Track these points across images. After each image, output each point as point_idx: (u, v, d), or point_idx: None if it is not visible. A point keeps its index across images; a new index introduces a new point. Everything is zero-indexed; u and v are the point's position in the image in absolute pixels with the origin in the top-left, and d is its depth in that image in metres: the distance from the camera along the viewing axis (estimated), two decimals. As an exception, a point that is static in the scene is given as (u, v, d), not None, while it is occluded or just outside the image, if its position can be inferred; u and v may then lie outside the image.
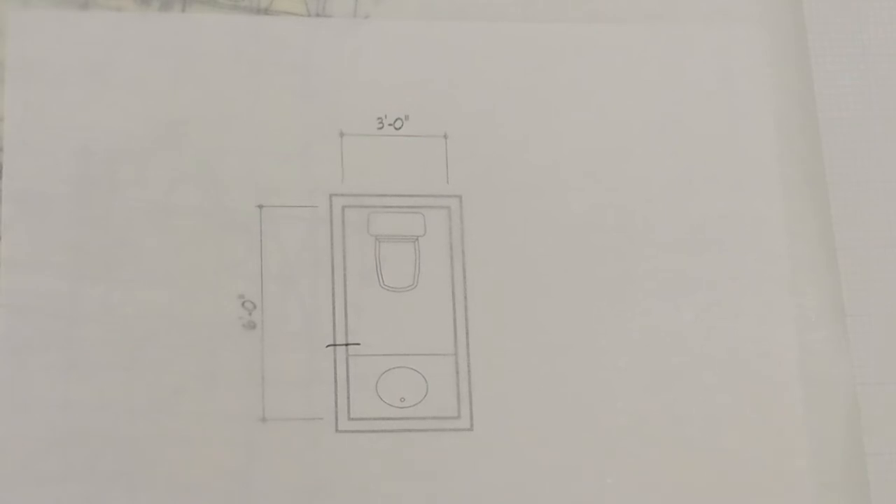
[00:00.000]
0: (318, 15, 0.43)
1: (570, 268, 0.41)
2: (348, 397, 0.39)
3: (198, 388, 0.39)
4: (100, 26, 0.41)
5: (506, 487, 0.39)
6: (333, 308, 0.40)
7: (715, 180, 0.43)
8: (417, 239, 0.41)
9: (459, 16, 0.43)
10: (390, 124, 0.42)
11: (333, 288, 0.40)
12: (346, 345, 0.40)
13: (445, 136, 0.42)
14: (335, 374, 0.39)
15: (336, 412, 0.39)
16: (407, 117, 0.42)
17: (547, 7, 0.44)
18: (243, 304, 0.40)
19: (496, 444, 0.39)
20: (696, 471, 0.40)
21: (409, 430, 0.39)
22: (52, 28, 0.41)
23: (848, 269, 0.43)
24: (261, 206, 0.41)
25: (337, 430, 0.39)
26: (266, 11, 0.42)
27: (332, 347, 0.40)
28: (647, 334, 0.41)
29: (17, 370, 0.38)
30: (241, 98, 0.41)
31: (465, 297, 0.41)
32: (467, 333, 0.40)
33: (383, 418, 0.39)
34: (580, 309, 0.41)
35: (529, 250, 0.41)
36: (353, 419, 0.39)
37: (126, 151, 0.40)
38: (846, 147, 0.44)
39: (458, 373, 0.40)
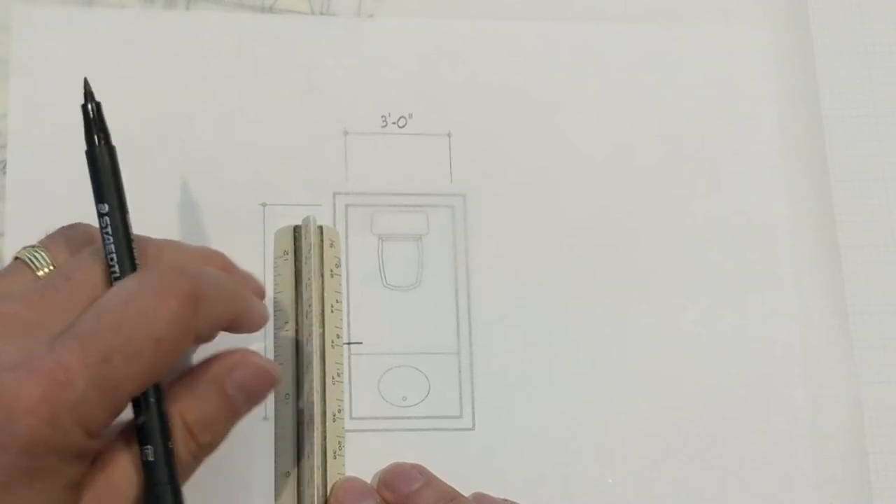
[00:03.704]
0: (321, 13, 0.43)
1: (573, 267, 0.41)
2: (350, 396, 0.39)
3: (201, 386, 0.39)
4: (104, 23, 0.41)
5: (507, 487, 0.39)
6: (336, 307, 0.40)
7: (718, 180, 0.43)
8: (421, 238, 0.41)
9: (462, 14, 0.43)
10: (394, 123, 0.42)
11: (336, 287, 0.40)
12: (349, 344, 0.40)
13: (449, 135, 0.42)
14: (337, 373, 0.40)
15: (338, 411, 0.39)
16: (411, 116, 0.42)
17: (550, 6, 0.44)
18: (246, 302, 0.40)
19: (498, 443, 0.39)
20: (697, 470, 0.40)
21: (411, 430, 0.39)
22: (57, 25, 0.41)
23: (850, 269, 0.43)
24: (264, 205, 0.41)
25: (339, 429, 0.39)
26: (270, 10, 0.42)
27: (334, 346, 0.40)
28: (649, 334, 0.41)
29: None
30: (244, 96, 0.41)
31: (469, 296, 0.41)
32: (470, 332, 0.40)
33: (385, 417, 0.39)
34: (583, 308, 0.41)
35: (532, 249, 0.41)
36: (354, 418, 0.39)
37: (129, 148, 0.40)
38: (850, 146, 0.44)
39: (460, 372, 0.40)
